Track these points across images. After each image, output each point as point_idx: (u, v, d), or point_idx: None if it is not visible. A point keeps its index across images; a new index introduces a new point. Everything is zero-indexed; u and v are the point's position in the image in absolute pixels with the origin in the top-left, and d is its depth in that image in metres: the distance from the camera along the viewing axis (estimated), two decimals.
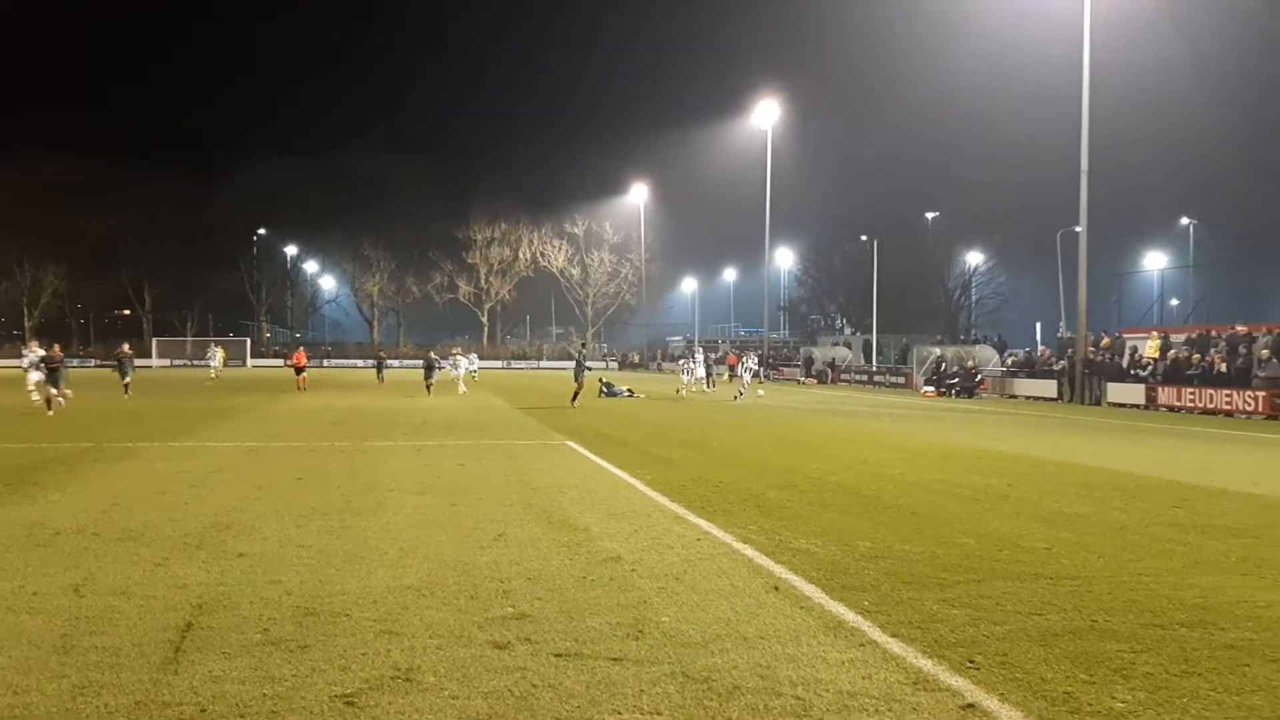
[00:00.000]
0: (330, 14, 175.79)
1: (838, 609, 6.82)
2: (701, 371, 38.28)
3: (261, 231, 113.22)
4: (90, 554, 8.39)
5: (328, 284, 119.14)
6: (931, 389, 43.67)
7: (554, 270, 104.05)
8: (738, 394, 34.70)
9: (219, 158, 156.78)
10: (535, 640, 6.04)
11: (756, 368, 38.28)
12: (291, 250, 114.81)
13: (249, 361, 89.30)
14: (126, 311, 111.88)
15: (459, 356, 41.62)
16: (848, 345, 72.86)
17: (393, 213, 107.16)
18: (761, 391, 36.57)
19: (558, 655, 5.76)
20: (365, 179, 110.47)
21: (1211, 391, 32.43)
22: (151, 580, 7.45)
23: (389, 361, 57.80)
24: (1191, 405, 32.71)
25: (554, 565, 8.11)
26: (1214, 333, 36.37)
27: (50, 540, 8.99)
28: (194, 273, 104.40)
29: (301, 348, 44.69)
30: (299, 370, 42.02)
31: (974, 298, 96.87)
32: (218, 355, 58.27)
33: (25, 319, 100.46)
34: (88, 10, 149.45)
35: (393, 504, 11.23)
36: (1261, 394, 30.79)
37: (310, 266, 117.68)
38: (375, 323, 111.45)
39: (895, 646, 5.96)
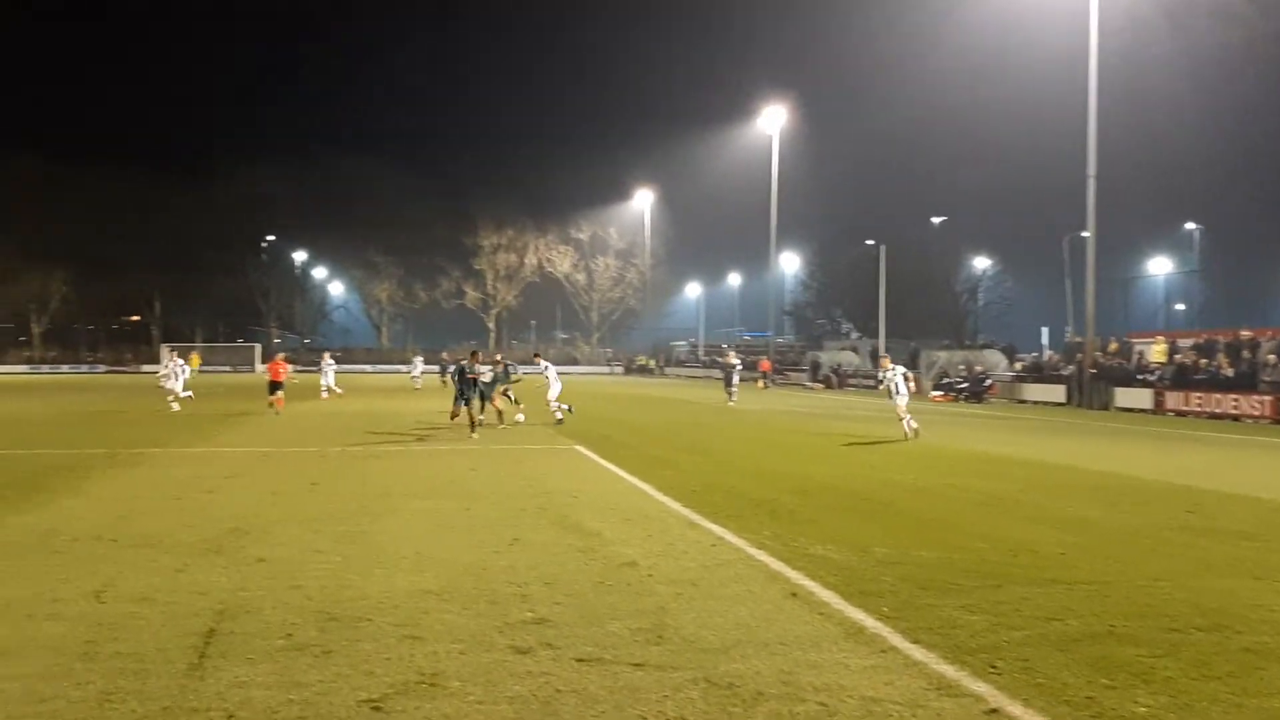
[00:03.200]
0: (335, 20, 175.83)
1: (857, 615, 6.85)
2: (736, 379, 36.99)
3: (270, 238, 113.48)
4: (109, 560, 8.44)
5: (336, 290, 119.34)
6: (940, 393, 43.63)
7: (559, 276, 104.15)
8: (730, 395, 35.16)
9: (226, 163, 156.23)
10: (556, 645, 6.07)
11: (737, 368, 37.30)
12: (300, 256, 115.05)
13: (258, 367, 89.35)
14: (136, 317, 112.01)
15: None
16: (854, 349, 72.79)
17: (400, 219, 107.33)
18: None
19: (580, 660, 5.80)
20: (373, 185, 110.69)
21: (1218, 396, 32.42)
22: (173, 586, 7.50)
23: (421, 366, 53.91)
24: (1199, 410, 32.66)
25: (570, 570, 8.15)
26: (1220, 338, 36.37)
27: (67, 547, 9.04)
28: (202, 279, 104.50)
29: (281, 356, 32.20)
30: (274, 387, 28.98)
31: (980, 302, 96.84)
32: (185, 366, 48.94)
33: (33, 324, 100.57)
34: (86, 13, 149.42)
35: (406, 508, 11.28)
36: (1268, 398, 30.80)
37: (319, 272, 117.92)
38: (384, 328, 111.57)
39: (916, 652, 5.99)
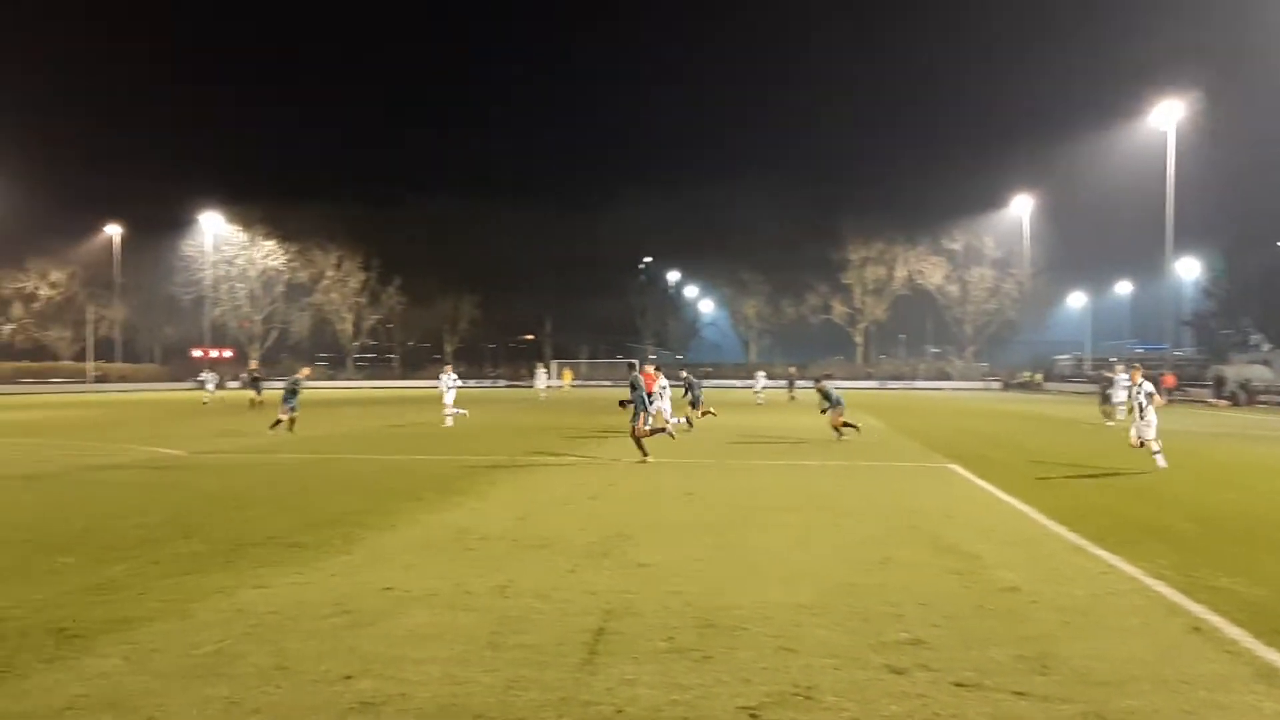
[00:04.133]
0: (693, 63, 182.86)
1: (1272, 656, 6.17)
2: (1122, 395, 33.54)
3: (647, 259, 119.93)
4: (510, 558, 9.23)
5: (706, 307, 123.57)
6: None
7: (930, 288, 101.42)
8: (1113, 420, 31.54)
9: (608, 194, 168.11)
10: (934, 668, 5.94)
11: None
12: (674, 276, 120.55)
13: None
14: (530, 336, 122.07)
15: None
16: (1266, 364, 65.26)
17: (769, 236, 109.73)
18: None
19: (958, 685, 5.64)
20: (741, 206, 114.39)
21: None
22: (565, 585, 8.07)
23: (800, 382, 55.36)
24: None
25: (946, 593, 7.93)
26: None
27: (476, 544, 9.97)
28: (586, 299, 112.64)
29: (651, 367, 22.62)
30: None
31: None
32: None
33: (445, 344, 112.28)
34: (496, 74, 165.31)
35: (777, 522, 11.43)
36: None
37: (690, 291, 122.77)
38: (752, 344, 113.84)
39: None
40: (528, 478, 15.98)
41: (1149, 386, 18.14)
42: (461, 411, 30.22)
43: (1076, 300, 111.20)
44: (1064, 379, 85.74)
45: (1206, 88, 72.35)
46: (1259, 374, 59.47)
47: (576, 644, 6.42)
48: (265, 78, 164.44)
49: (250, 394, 41.32)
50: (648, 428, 18.62)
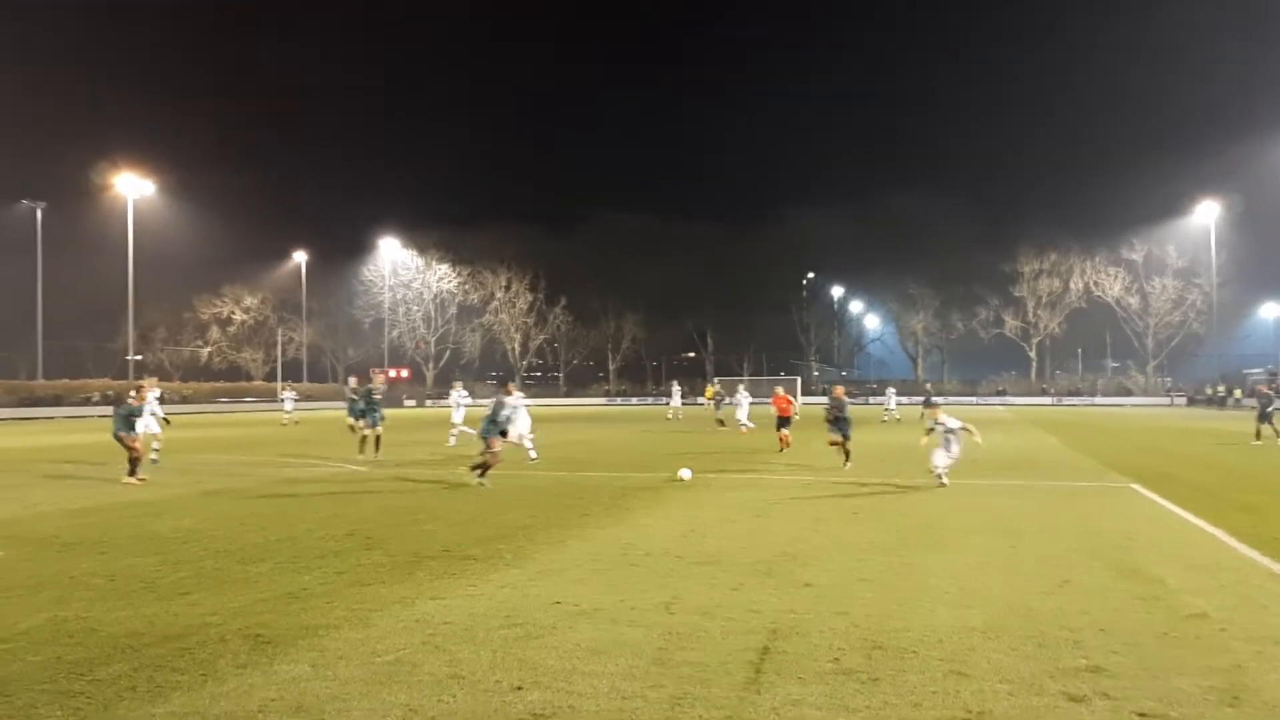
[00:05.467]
0: (869, 57, 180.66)
1: None
2: None
3: (811, 275, 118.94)
4: (676, 575, 9.31)
5: (871, 323, 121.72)
6: None
7: (1109, 300, 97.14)
8: None
9: (772, 209, 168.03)
10: (1114, 696, 5.72)
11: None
12: (838, 291, 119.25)
13: (800, 399, 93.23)
14: (692, 354, 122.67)
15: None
16: None
17: (936, 250, 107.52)
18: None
19: (1141, 715, 5.42)
20: (908, 219, 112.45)
21: None
22: (730, 603, 8.10)
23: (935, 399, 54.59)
24: None
25: (1128, 618, 7.60)
26: None
27: (642, 560, 10.11)
28: (749, 316, 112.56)
29: (781, 389, 28.25)
30: (783, 422, 25.63)
31: None
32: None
33: (610, 362, 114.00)
34: (654, 81, 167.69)
35: (949, 543, 11.17)
36: None
37: (855, 306, 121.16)
38: (919, 360, 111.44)
39: None
40: (691, 494, 16.05)
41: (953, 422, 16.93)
42: (469, 431, 24.68)
43: (1270, 311, 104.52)
44: (1255, 394, 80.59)
45: None
46: None
47: (741, 662, 6.43)
48: (439, 106, 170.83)
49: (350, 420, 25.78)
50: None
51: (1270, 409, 29.94)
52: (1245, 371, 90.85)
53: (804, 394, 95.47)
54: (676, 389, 55.01)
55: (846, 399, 21.64)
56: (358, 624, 7.47)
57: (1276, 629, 7.26)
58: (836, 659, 6.49)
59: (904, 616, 7.61)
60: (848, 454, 20.45)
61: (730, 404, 40.37)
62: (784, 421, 25.76)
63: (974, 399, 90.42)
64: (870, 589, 8.66)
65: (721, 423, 39.82)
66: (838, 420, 20.38)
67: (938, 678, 6.08)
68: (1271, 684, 5.94)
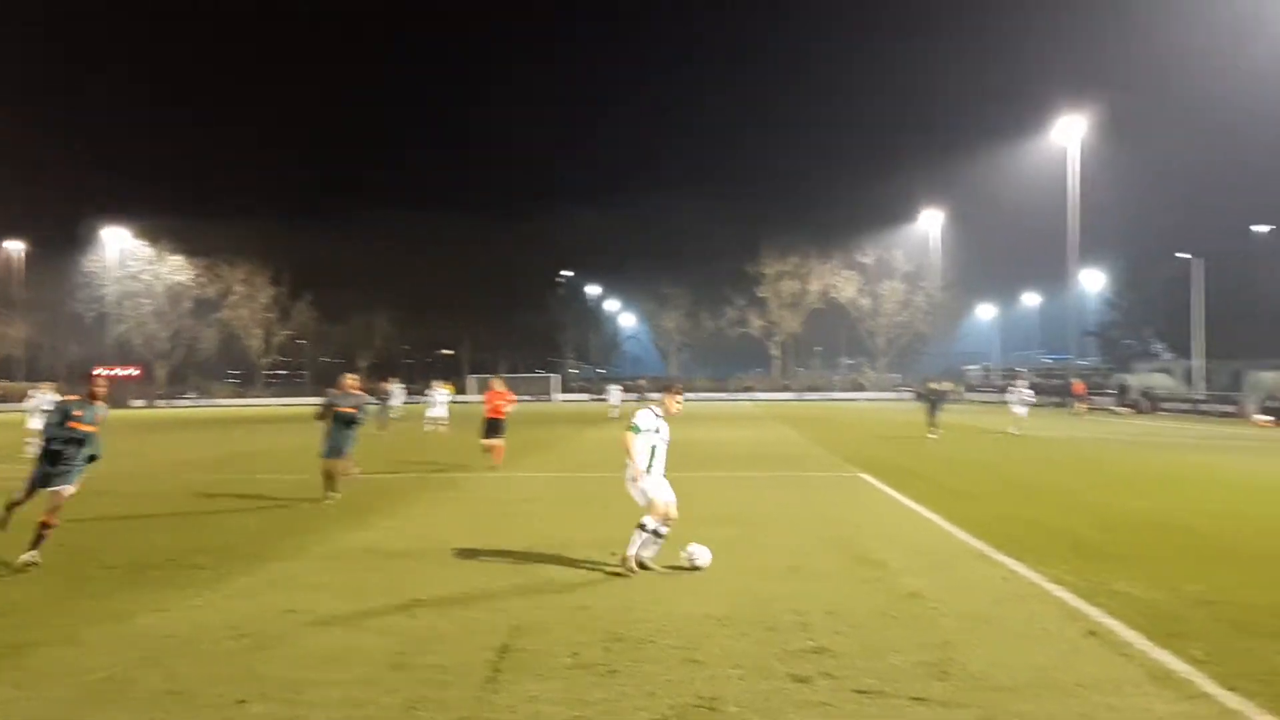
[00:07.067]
0: (623, 60, 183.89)
1: (1163, 657, 6.34)
2: (1023, 408, 33.87)
3: (566, 273, 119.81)
4: (417, 576, 9.08)
5: (627, 321, 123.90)
6: (1270, 418, 39.55)
7: (844, 302, 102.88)
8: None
9: (528, 208, 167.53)
10: (836, 675, 5.99)
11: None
12: (594, 290, 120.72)
13: (555, 397, 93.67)
14: (449, 351, 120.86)
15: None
16: (1167, 372, 67.50)
17: (689, 251, 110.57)
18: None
19: (859, 692, 5.70)
20: (663, 219, 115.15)
21: None
22: (472, 603, 7.98)
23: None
24: None
25: (853, 600, 8.02)
26: None
27: (382, 564, 9.82)
28: (507, 313, 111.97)
29: (498, 384, 21.68)
30: (493, 426, 20.51)
31: None
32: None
33: (359, 359, 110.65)
34: (401, 72, 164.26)
35: (691, 534, 11.40)
36: None
37: (612, 305, 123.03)
38: (671, 357, 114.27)
39: (1232, 700, 5.49)
40: (437, 495, 15.77)
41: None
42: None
43: (986, 312, 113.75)
44: (970, 389, 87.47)
45: (1113, 100, 74.67)
46: (1161, 382, 61.48)
47: (481, 662, 6.33)
48: (178, 90, 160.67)
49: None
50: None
51: (941, 405, 32.12)
52: (963, 367, 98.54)
53: (563, 392, 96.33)
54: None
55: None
56: (66, 641, 6.87)
57: (982, 606, 7.82)
58: (576, 653, 6.50)
59: (644, 608, 7.72)
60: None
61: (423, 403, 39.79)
62: (495, 427, 20.52)
63: (723, 395, 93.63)
64: (613, 582, 8.74)
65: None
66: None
67: (673, 666, 6.19)
68: (976, 657, 6.37)
